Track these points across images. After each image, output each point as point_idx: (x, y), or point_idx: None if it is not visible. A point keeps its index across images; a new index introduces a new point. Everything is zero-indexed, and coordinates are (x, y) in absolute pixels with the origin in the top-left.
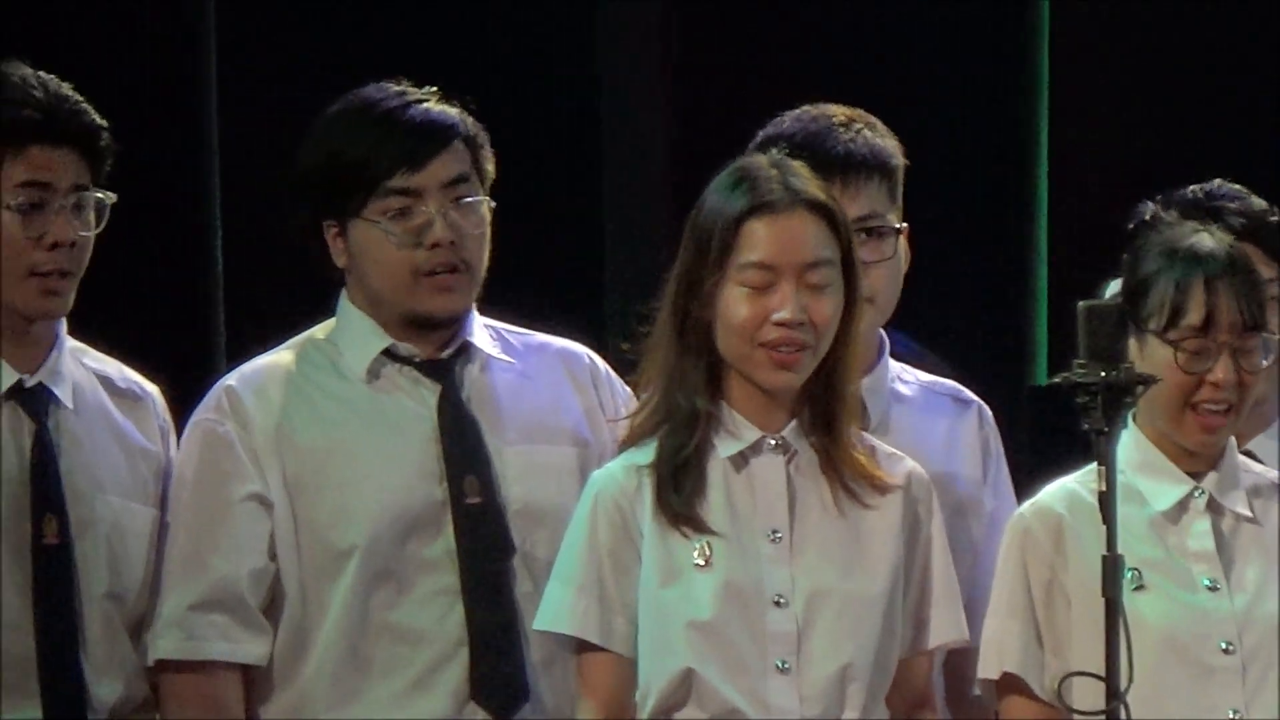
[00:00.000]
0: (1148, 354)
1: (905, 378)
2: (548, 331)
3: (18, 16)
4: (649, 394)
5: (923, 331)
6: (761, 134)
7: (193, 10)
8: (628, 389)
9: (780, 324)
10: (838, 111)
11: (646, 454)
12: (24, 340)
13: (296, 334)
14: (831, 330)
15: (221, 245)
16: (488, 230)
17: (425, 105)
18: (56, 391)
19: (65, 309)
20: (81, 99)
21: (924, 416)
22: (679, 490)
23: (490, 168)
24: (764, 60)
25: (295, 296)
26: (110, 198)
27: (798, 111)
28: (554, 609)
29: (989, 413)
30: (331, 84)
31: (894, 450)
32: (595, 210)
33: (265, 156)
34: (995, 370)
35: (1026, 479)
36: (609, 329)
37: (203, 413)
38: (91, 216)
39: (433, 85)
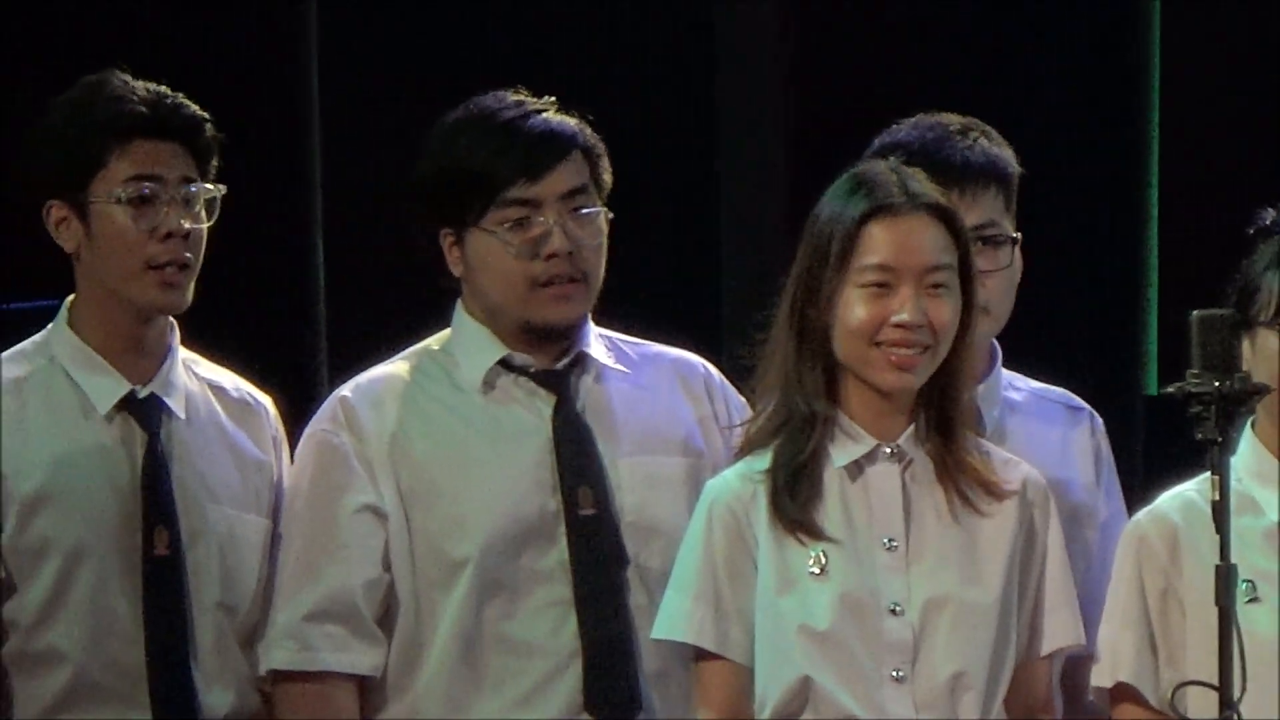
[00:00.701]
0: (1260, 350)
1: (1018, 385)
2: (664, 342)
3: (123, 22)
4: (765, 401)
5: (1034, 341)
6: (877, 142)
7: (295, 23)
8: (742, 399)
9: (899, 325)
10: (954, 120)
11: (762, 461)
12: (137, 351)
13: (398, 345)
14: (950, 335)
15: (323, 256)
16: (605, 241)
17: (544, 115)
18: (169, 402)
19: (184, 303)
20: (182, 96)
21: (1037, 424)
22: (794, 497)
23: (608, 178)
24: (880, 69)
25: (397, 307)
26: (219, 190)
27: (914, 120)
28: (671, 617)
29: (1100, 420)
30: (441, 92)
31: (1010, 455)
32: (712, 220)
33: (368, 166)
34: (1107, 380)
35: (1139, 488)
36: (725, 338)
37: (318, 424)
38: (202, 210)
39: (550, 95)
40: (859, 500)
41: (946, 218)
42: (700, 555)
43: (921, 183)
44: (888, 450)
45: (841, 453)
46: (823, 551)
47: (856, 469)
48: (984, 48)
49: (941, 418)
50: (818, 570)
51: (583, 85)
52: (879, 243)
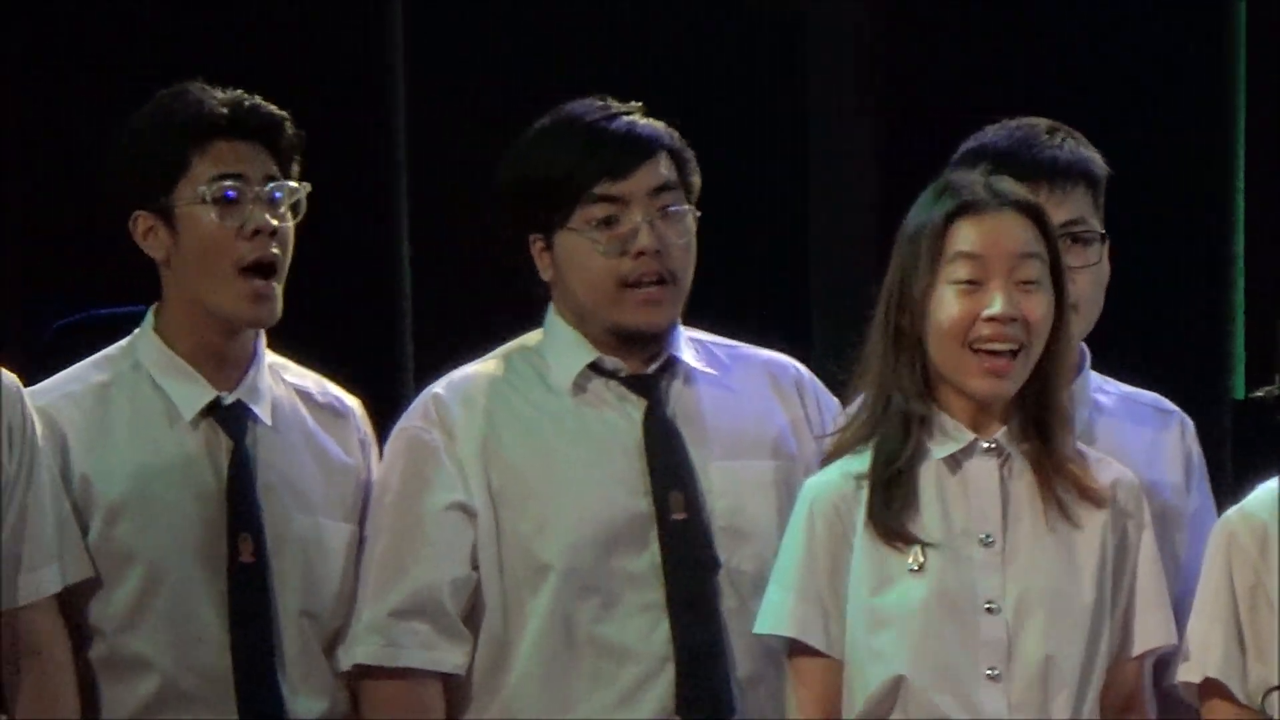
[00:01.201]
0: None
1: (1107, 388)
2: (754, 344)
3: (207, 29)
4: (860, 409)
5: (1122, 345)
6: (965, 146)
7: (382, 30)
8: (834, 400)
9: (991, 319)
10: (1041, 121)
11: (862, 461)
12: (223, 357)
13: (483, 347)
14: (1043, 331)
15: (409, 260)
16: (693, 241)
17: (631, 118)
18: (255, 409)
19: (274, 317)
20: (260, 98)
21: (1126, 426)
22: (890, 504)
23: (696, 180)
24: (968, 74)
25: (482, 310)
26: (304, 188)
27: (1001, 123)
28: (774, 612)
29: (1191, 424)
30: (528, 96)
31: (1102, 456)
32: (801, 224)
33: (454, 169)
34: (1194, 384)
35: (1227, 492)
36: (815, 340)
37: (409, 420)
38: (287, 209)
39: (638, 100)
40: (957, 496)
41: (1034, 214)
42: (802, 551)
43: (1009, 184)
44: (986, 445)
45: (940, 447)
46: (921, 550)
47: (955, 463)
48: (1070, 49)
49: (1038, 418)
50: (916, 567)
51: (672, 90)
52: (967, 237)
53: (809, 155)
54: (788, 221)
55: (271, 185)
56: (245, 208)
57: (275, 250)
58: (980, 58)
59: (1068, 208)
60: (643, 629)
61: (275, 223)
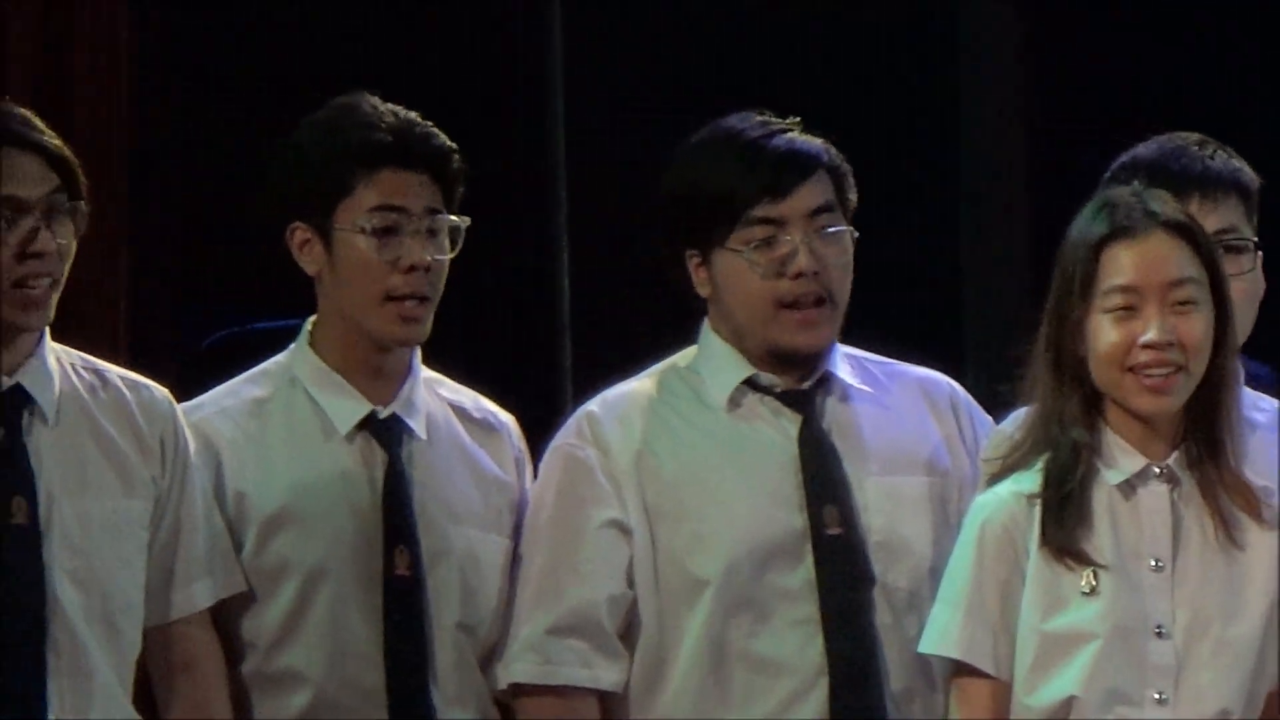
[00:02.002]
0: None
1: (1262, 405)
2: (907, 361)
3: (371, 46)
4: (1024, 429)
5: (1274, 364)
6: (1117, 162)
7: (540, 47)
8: (988, 417)
9: (1148, 346)
10: (1192, 135)
11: (1032, 481)
12: (378, 372)
13: (641, 364)
14: (1204, 351)
15: (569, 276)
16: (850, 260)
17: (789, 135)
18: (410, 423)
19: (422, 336)
20: (431, 124)
21: None
22: (1063, 524)
23: (853, 197)
24: (1121, 89)
25: (640, 327)
26: (464, 222)
27: (1152, 138)
28: (941, 632)
29: None
30: (685, 112)
31: (1266, 483)
32: (953, 239)
33: (612, 186)
34: None
35: None
36: (969, 357)
37: (564, 438)
38: (446, 241)
39: (794, 115)
40: (1128, 519)
41: (1187, 234)
42: (971, 571)
43: (1163, 202)
44: (1158, 470)
45: (1113, 472)
46: (1093, 573)
47: (1129, 488)
48: (1225, 62)
49: (1209, 439)
50: (1088, 590)
51: (826, 105)
52: (1119, 264)
53: (961, 169)
54: (940, 237)
55: (432, 218)
56: (403, 241)
57: (426, 291)
58: (1133, 71)
59: (1218, 216)
60: (797, 643)
61: (430, 258)
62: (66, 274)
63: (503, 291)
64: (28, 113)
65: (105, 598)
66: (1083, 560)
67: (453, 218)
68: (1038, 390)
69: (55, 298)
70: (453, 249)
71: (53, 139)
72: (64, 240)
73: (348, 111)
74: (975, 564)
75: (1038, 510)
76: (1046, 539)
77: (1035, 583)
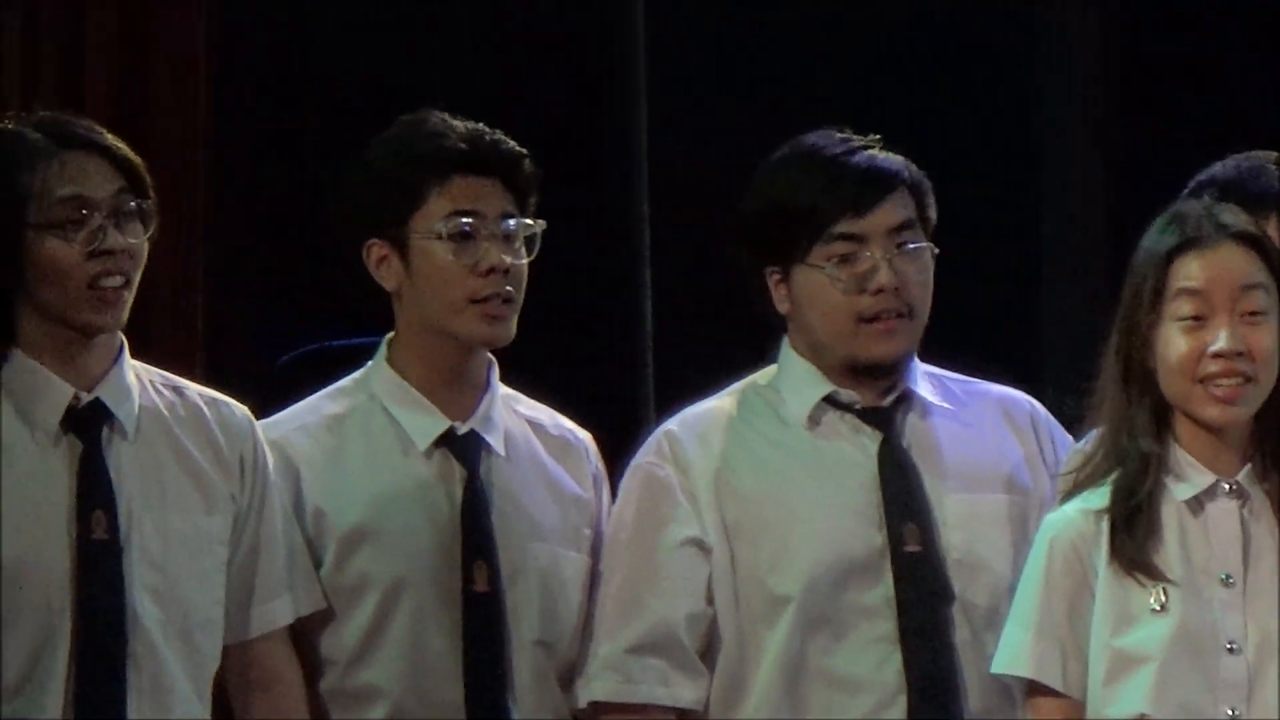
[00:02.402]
0: None
1: None
2: (985, 378)
3: (444, 60)
4: (1095, 445)
5: None
6: (1195, 180)
7: (622, 61)
8: (1068, 436)
9: (1218, 355)
10: (1270, 154)
11: (1100, 498)
12: (457, 388)
13: (722, 382)
14: (1273, 362)
15: (651, 294)
16: (930, 277)
17: (870, 152)
18: (488, 439)
19: (508, 336)
20: (500, 132)
21: None
22: (1133, 537)
23: (933, 214)
24: (1202, 107)
25: (722, 345)
26: (539, 225)
27: (1231, 157)
28: (1012, 651)
29: None
30: (766, 128)
31: None
32: (1034, 255)
33: (694, 202)
34: None
35: None
36: (1047, 376)
37: (643, 456)
38: (522, 246)
39: (874, 133)
40: (1198, 536)
41: (1257, 245)
42: (1040, 590)
43: (1233, 215)
44: (1227, 486)
45: (1182, 487)
46: (1163, 589)
47: (1197, 504)
48: None
49: (1278, 451)
50: (1158, 607)
51: (906, 123)
52: (1189, 272)
53: (1041, 185)
54: (1019, 253)
55: (507, 223)
56: (480, 244)
57: (509, 287)
58: (1213, 88)
59: None
60: (875, 661)
61: (509, 260)
62: (139, 276)
63: (585, 310)
64: (91, 121)
65: (184, 613)
66: (1153, 575)
67: (528, 221)
68: (1107, 403)
69: (128, 298)
70: (529, 253)
71: (116, 142)
72: (134, 240)
73: (416, 125)
74: (1044, 582)
75: (1105, 526)
76: (1116, 553)
77: (1105, 599)
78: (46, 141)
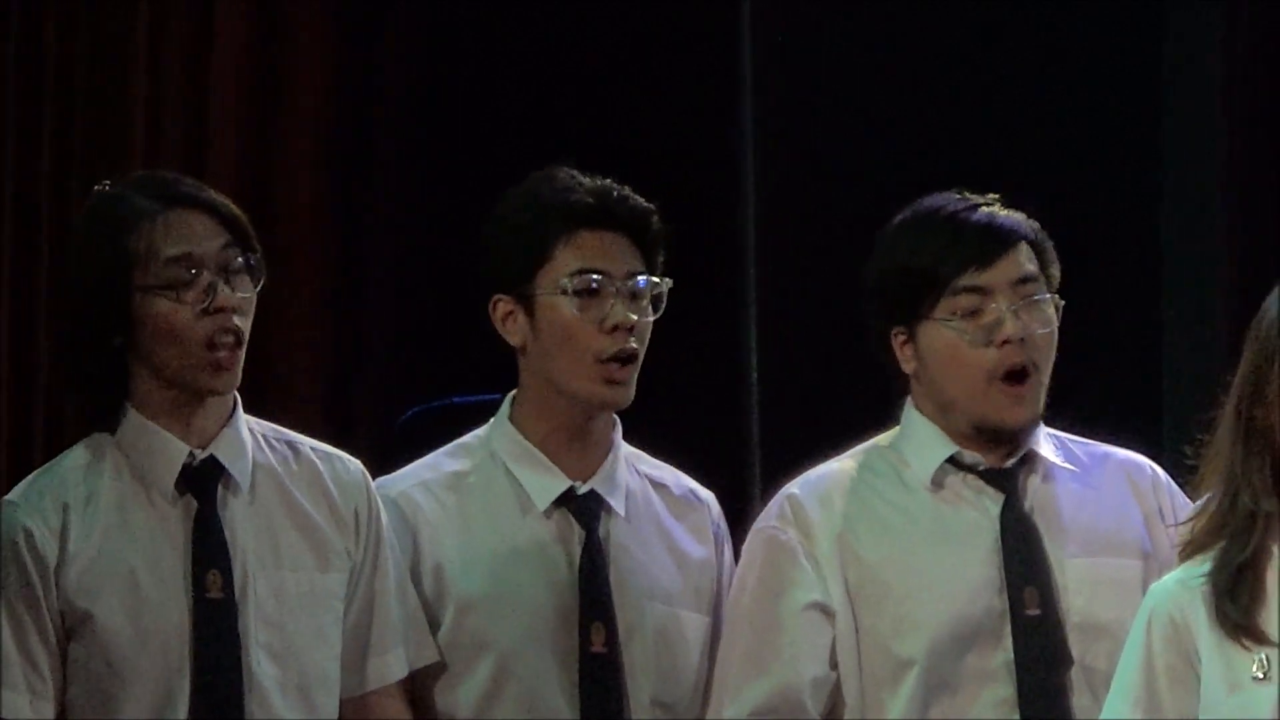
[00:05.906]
0: None
1: None
2: (1105, 439)
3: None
4: (1209, 502)
5: None
6: None
7: (731, 120)
8: (1189, 501)
9: None
10: None
11: (1203, 564)
12: (580, 447)
13: (830, 440)
14: None
15: (757, 355)
16: (1055, 330)
17: (990, 209)
18: (609, 499)
19: (627, 400)
20: (629, 189)
21: None
22: (1235, 600)
23: (1056, 271)
24: None
25: (829, 402)
26: (666, 283)
27: None
28: None
29: None
30: (877, 188)
31: None
32: (1155, 317)
33: (800, 262)
34: None
35: None
36: (1166, 438)
37: (765, 520)
38: (648, 304)
39: (991, 193)
40: None
41: None
42: (1140, 661)
43: None
44: None
45: None
46: (1265, 656)
47: None
48: None
49: None
50: (1261, 675)
51: (1026, 180)
52: None
53: (1162, 240)
54: (1140, 311)
55: (634, 280)
56: (606, 301)
57: (634, 344)
58: None
59: None
60: None
61: (635, 318)
62: (248, 330)
63: (691, 367)
64: (192, 178)
65: (301, 671)
66: (1258, 639)
67: (655, 279)
68: (1222, 459)
69: (241, 357)
70: (655, 311)
71: (219, 196)
72: (244, 294)
73: (544, 180)
74: (1144, 654)
75: (1206, 592)
76: (1220, 617)
77: (1210, 669)
78: (149, 201)
